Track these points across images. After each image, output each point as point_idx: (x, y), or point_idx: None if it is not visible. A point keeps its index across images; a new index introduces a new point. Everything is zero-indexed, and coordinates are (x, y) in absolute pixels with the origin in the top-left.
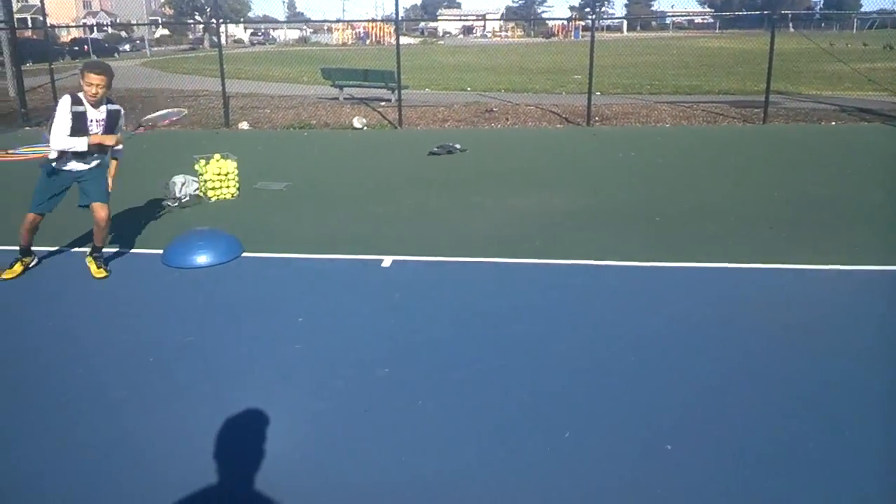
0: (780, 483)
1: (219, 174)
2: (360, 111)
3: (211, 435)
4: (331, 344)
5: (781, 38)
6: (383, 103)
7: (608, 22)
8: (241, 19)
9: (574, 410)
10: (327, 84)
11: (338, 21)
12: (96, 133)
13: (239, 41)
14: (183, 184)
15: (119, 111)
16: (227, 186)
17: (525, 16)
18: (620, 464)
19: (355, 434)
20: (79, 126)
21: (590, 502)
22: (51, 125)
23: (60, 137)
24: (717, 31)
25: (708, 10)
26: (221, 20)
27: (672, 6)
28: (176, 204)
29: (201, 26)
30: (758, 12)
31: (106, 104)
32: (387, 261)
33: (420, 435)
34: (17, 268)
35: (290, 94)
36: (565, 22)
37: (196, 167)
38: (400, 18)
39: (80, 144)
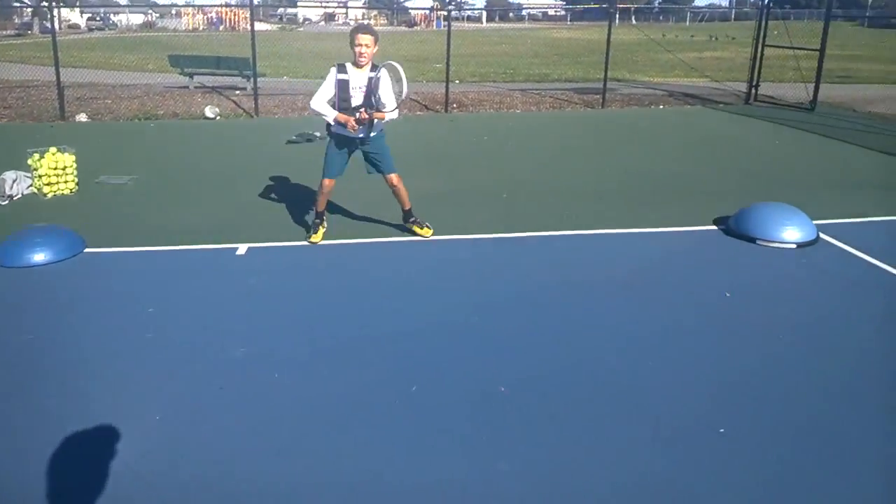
0: (595, 409)
1: (55, 169)
2: (213, 100)
3: (59, 427)
4: (185, 330)
5: (623, 30)
6: (238, 92)
7: (469, 12)
8: (77, 2)
9: (422, 370)
10: (176, 72)
11: (187, 5)
12: (358, 104)
13: (74, 26)
14: (14, 180)
15: (378, 78)
16: (65, 181)
17: (388, 4)
18: (462, 407)
19: (211, 410)
20: (345, 97)
21: (433, 445)
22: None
23: (316, 100)
24: (568, 22)
25: (560, 2)
26: (54, 3)
27: None
28: (6, 202)
29: (30, 10)
30: (603, 5)
31: (370, 70)
32: (242, 248)
33: (276, 406)
34: (321, 230)
35: (133, 84)
36: (428, 11)
37: (29, 162)
38: (256, 3)
39: (329, 116)
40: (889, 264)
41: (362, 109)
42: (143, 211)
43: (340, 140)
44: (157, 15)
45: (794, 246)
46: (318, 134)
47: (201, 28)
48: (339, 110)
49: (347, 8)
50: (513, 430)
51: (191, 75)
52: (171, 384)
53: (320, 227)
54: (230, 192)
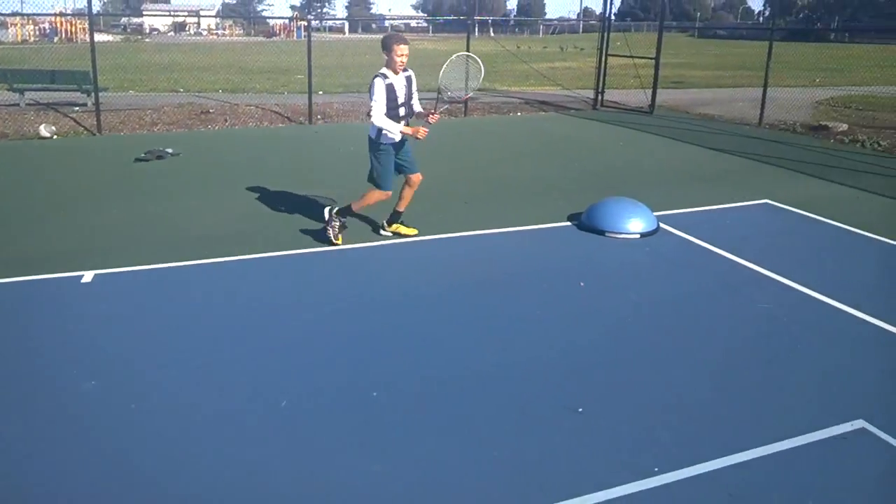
0: (464, 403)
1: None
2: (49, 118)
3: None
4: (23, 368)
5: (482, 42)
6: (77, 108)
7: (331, 23)
8: None
9: (293, 383)
10: (2, 88)
11: (14, 14)
12: (402, 102)
13: None
14: None
15: (411, 76)
16: None
17: (244, 13)
18: (336, 416)
19: (57, 447)
20: (392, 99)
21: (309, 454)
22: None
23: (378, 115)
24: (430, 34)
25: (421, 14)
26: None
27: (389, 10)
28: None
29: None
30: (461, 17)
31: (403, 71)
32: (87, 275)
33: (133, 435)
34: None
35: None
36: (287, 21)
37: None
38: (95, 12)
39: (394, 130)
40: (718, 247)
41: (433, 113)
42: None
43: (391, 149)
44: None
45: (638, 236)
46: (169, 150)
47: (32, 40)
48: (389, 115)
49: (200, 17)
50: (386, 433)
51: (21, 91)
52: (13, 423)
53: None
54: (72, 217)
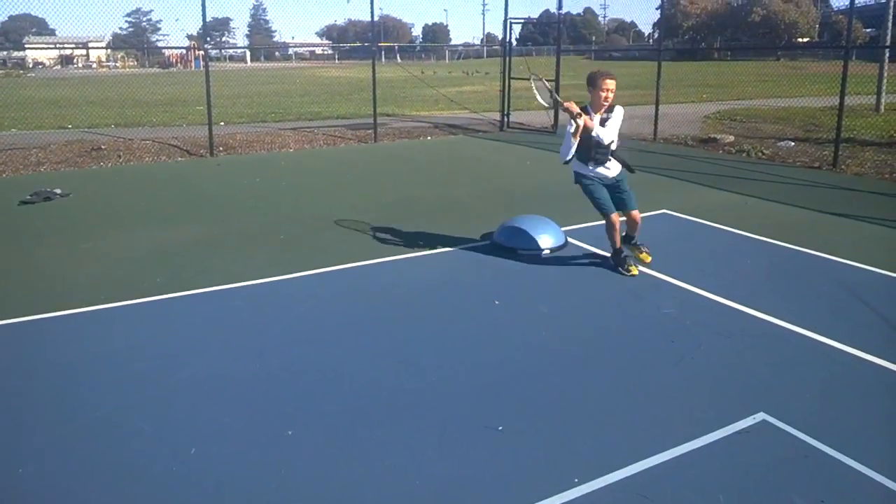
0: (381, 431)
1: None
2: None
3: None
4: None
5: (389, 68)
6: None
7: (231, 52)
8: None
9: (201, 428)
10: None
11: None
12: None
13: None
14: None
15: (610, 117)
16: None
17: (136, 44)
18: (246, 461)
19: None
20: (586, 136)
21: (219, 500)
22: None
23: (565, 149)
24: (336, 61)
25: (326, 41)
26: None
27: (293, 37)
28: None
29: None
30: (366, 44)
31: (606, 111)
32: None
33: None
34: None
35: None
36: (184, 51)
37: None
38: None
39: (566, 155)
40: None
41: (582, 115)
42: None
43: (598, 181)
44: None
45: (548, 251)
46: (58, 191)
47: None
48: (583, 151)
49: (89, 49)
50: (303, 470)
51: None
52: None
53: (629, 261)
54: None
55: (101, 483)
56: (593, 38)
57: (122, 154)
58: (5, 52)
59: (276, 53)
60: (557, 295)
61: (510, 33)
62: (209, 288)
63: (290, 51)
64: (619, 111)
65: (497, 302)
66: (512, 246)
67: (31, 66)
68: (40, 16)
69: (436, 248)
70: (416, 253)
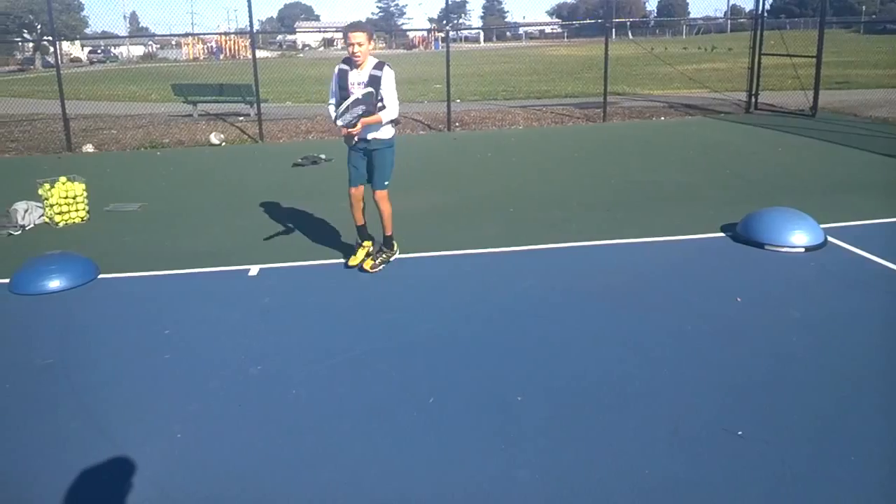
0: (609, 416)
1: (66, 198)
2: (218, 127)
3: (82, 449)
4: (201, 350)
5: (621, 45)
6: (242, 118)
7: (466, 33)
8: (78, 36)
9: (438, 381)
10: (179, 101)
11: (186, 35)
12: (356, 96)
13: (76, 60)
14: (26, 210)
15: (378, 76)
16: (76, 210)
17: (386, 27)
18: (479, 417)
19: (231, 427)
20: (342, 89)
21: (452, 453)
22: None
23: (330, 105)
24: (565, 39)
25: (556, 20)
26: (55, 37)
27: (524, 17)
28: (19, 231)
29: (31, 45)
30: (598, 21)
31: (374, 67)
32: (254, 269)
33: (296, 419)
34: (359, 252)
35: (138, 114)
36: (425, 33)
37: (40, 192)
38: (255, 31)
39: (331, 113)
40: None
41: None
42: (154, 236)
43: (349, 149)
44: (158, 46)
45: (802, 250)
46: (322, 156)
47: (202, 58)
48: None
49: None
50: (530, 439)
51: (194, 103)
52: (190, 402)
53: (358, 249)
54: (239, 216)
55: (350, 417)
56: (863, 9)
57: None
58: (281, 36)
59: (507, 33)
60: (812, 300)
61: (762, 3)
62: (443, 252)
63: (521, 30)
64: (387, 71)
65: (739, 300)
66: (759, 241)
67: (300, 48)
68: (307, 3)
69: (669, 235)
70: (646, 238)
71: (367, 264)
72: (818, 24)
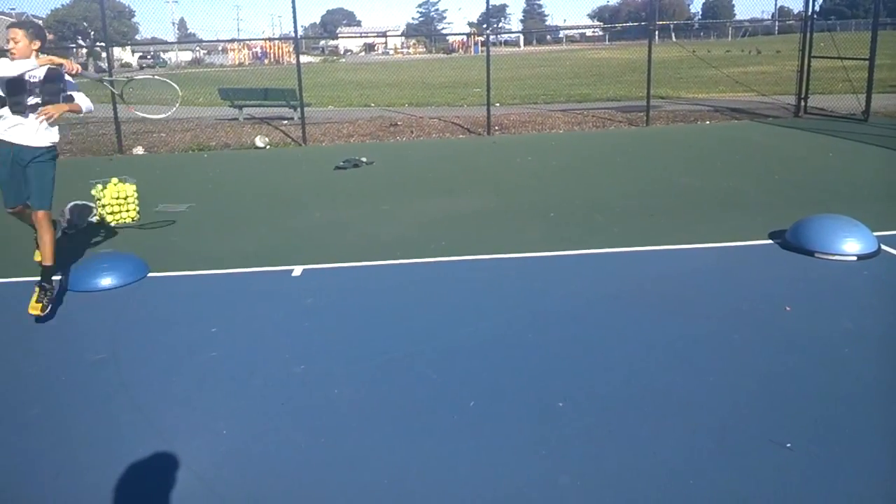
0: (654, 424)
1: (117, 198)
2: (262, 130)
3: (131, 442)
4: (247, 349)
5: (664, 48)
6: (286, 122)
7: (506, 37)
8: (129, 42)
9: (479, 385)
10: (225, 105)
11: (232, 41)
12: (35, 96)
13: (126, 65)
14: (80, 210)
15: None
16: (127, 210)
17: (426, 32)
18: (521, 421)
19: (276, 424)
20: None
21: (493, 457)
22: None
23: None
24: (606, 42)
25: (597, 23)
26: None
27: (564, 20)
28: (73, 230)
29: (84, 51)
30: (641, 23)
31: (48, 65)
32: (297, 270)
33: (338, 419)
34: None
35: (185, 117)
36: (465, 37)
37: (93, 192)
38: (299, 37)
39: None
40: None
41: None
42: (202, 236)
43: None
44: (205, 52)
45: (854, 258)
46: (364, 159)
47: (247, 63)
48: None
49: (386, 37)
50: (573, 445)
51: (240, 107)
52: (235, 400)
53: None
54: (283, 217)
55: (392, 418)
56: None
57: (414, 130)
58: (323, 42)
59: (548, 37)
60: (865, 310)
61: (813, 4)
62: (485, 255)
63: (561, 34)
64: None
65: (788, 308)
66: (809, 248)
67: (342, 53)
68: (349, 9)
69: (715, 242)
70: (690, 245)
71: (35, 309)
72: (871, 25)
